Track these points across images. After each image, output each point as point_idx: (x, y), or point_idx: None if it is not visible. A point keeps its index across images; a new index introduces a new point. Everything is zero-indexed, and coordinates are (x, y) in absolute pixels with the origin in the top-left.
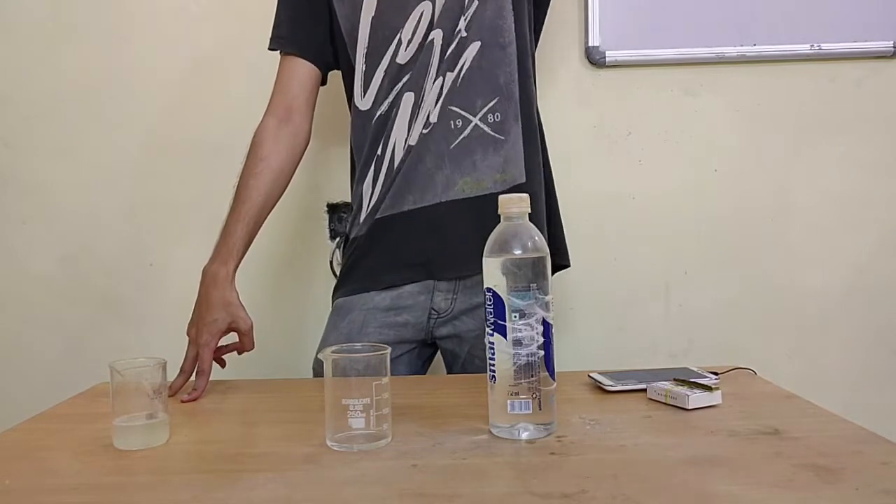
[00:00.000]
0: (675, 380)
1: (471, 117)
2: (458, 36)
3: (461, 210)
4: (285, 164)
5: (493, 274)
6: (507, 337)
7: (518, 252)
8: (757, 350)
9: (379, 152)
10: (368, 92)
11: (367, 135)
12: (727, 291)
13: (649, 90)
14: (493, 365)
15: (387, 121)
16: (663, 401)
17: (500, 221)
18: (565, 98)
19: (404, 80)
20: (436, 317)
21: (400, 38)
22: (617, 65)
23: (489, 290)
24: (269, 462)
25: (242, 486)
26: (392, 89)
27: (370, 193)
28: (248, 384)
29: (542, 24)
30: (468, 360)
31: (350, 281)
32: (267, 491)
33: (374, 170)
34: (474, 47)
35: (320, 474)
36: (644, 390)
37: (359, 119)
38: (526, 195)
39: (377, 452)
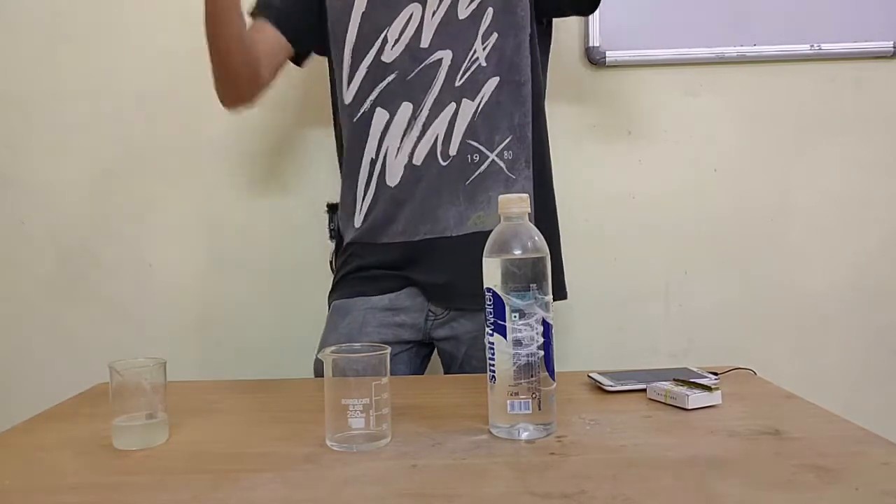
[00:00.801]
0: (674, 380)
1: (488, 153)
2: (476, 63)
3: (469, 245)
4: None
5: (493, 274)
6: (507, 337)
7: (518, 252)
8: (757, 350)
9: (373, 156)
10: (351, 86)
11: (351, 130)
12: (727, 291)
13: (649, 90)
14: (493, 365)
15: (370, 120)
16: (663, 401)
17: None
18: (565, 98)
19: (389, 79)
20: (433, 318)
21: (386, 37)
22: (617, 65)
23: (489, 290)
24: (269, 462)
25: (242, 486)
26: (374, 88)
27: (363, 195)
28: (248, 384)
29: (548, 56)
30: (465, 361)
31: (347, 286)
32: (267, 491)
33: (368, 173)
34: (493, 82)
35: (320, 474)
36: (644, 390)
37: (343, 112)
38: (526, 195)
39: (377, 452)
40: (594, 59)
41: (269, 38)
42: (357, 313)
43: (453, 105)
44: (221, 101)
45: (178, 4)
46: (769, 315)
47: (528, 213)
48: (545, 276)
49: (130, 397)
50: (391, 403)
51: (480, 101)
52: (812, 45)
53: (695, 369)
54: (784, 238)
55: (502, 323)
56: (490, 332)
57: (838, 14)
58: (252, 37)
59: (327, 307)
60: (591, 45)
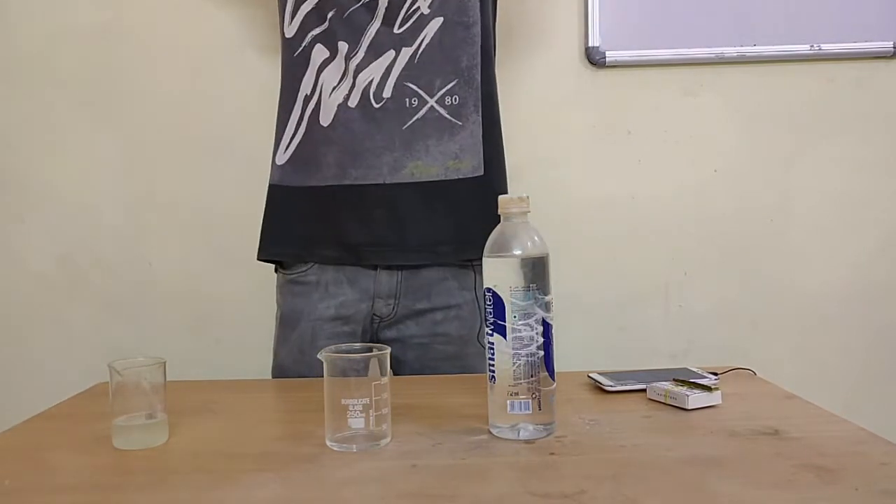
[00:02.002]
0: (674, 380)
1: (427, 98)
2: (417, 12)
3: (408, 195)
4: None
5: (493, 274)
6: (507, 337)
7: (518, 252)
8: (757, 350)
9: (308, 92)
10: (294, 20)
11: (290, 65)
12: (727, 291)
13: (649, 90)
14: (493, 365)
15: (309, 56)
16: (663, 401)
17: (448, 211)
18: (565, 98)
19: (330, 14)
20: (378, 321)
21: None
22: (617, 65)
23: (489, 290)
24: (269, 462)
25: (242, 486)
26: (318, 24)
27: (293, 132)
28: (248, 384)
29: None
30: (418, 371)
31: (282, 242)
32: (267, 491)
33: (301, 109)
34: (436, 23)
35: (320, 474)
36: (644, 390)
37: (284, 46)
38: (526, 195)
39: (377, 452)
40: (594, 59)
41: None
42: (305, 325)
43: (391, 53)
44: None
45: (179, 4)
46: (769, 315)
47: (528, 212)
48: (545, 276)
49: (130, 397)
50: (391, 403)
51: (421, 44)
52: (812, 45)
53: (695, 369)
54: (784, 238)
55: (502, 323)
56: (490, 332)
57: (838, 14)
58: None
59: (259, 255)
60: (591, 45)
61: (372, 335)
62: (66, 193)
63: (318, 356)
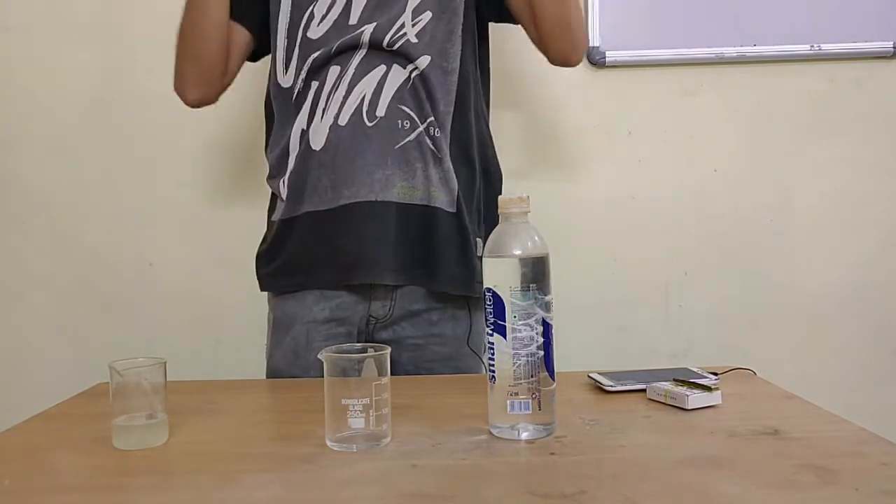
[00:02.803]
0: (674, 380)
1: (419, 122)
2: (404, 38)
3: (396, 214)
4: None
5: (493, 274)
6: (507, 337)
7: (518, 252)
8: (757, 350)
9: (304, 126)
10: (290, 70)
11: (290, 110)
12: (727, 291)
13: (649, 90)
14: (493, 365)
15: (306, 95)
16: (663, 401)
17: (424, 236)
18: (565, 98)
19: (316, 54)
20: (374, 322)
21: (313, 12)
22: (617, 65)
23: (489, 290)
24: (269, 462)
25: (242, 486)
26: (304, 64)
27: (292, 165)
28: (248, 384)
29: (487, 55)
30: (412, 372)
31: (283, 273)
32: (266, 491)
33: (298, 142)
34: (424, 60)
35: (320, 474)
36: (644, 390)
37: (280, 95)
38: (527, 195)
39: (377, 452)
40: (594, 59)
41: (232, 32)
42: (300, 328)
43: (383, 67)
44: (185, 94)
45: (178, 4)
46: (769, 315)
47: (528, 212)
48: (545, 276)
49: (130, 397)
50: (391, 403)
51: (413, 72)
52: (812, 45)
53: (695, 369)
54: (784, 238)
55: (502, 323)
56: (490, 332)
57: (838, 14)
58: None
59: (260, 286)
60: (591, 45)
61: (367, 336)
62: (66, 194)
63: (319, 356)
